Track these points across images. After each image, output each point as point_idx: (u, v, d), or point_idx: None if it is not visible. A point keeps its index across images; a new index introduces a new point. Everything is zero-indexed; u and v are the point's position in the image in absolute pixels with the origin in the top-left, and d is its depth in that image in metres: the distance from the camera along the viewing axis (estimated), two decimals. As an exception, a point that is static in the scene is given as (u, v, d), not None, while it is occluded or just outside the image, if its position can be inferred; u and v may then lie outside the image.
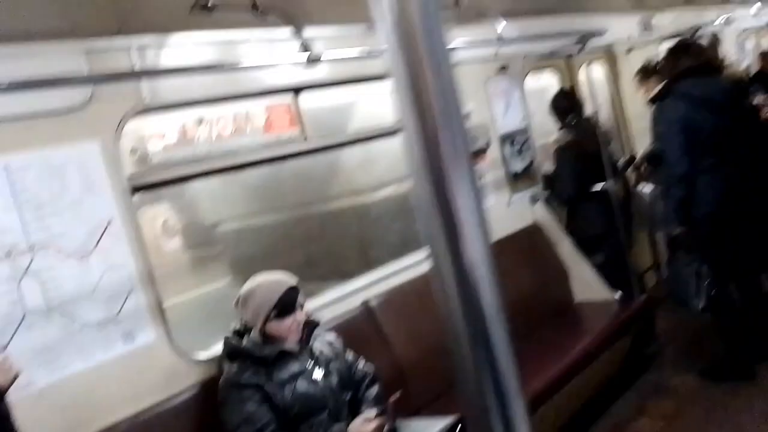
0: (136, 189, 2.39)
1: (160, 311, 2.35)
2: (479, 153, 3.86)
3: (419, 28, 0.45)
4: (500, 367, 0.48)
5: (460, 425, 2.40)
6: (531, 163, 4.28)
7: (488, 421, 0.47)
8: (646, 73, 4.24)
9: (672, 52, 3.60)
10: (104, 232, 2.23)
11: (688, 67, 3.44)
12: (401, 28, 0.45)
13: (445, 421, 2.43)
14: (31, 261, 2.06)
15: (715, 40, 6.17)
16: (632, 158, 4.76)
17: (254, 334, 2.28)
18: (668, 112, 3.43)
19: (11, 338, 2.01)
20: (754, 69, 6.53)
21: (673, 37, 5.06)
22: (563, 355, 3.23)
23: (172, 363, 2.36)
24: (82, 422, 2.10)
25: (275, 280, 2.33)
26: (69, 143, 2.18)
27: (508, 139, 4.13)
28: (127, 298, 2.27)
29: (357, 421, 2.23)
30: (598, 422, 3.45)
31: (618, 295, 3.84)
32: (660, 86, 3.96)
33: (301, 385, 2.23)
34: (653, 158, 4.30)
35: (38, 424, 1.97)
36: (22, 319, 2.02)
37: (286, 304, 2.27)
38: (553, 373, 3.08)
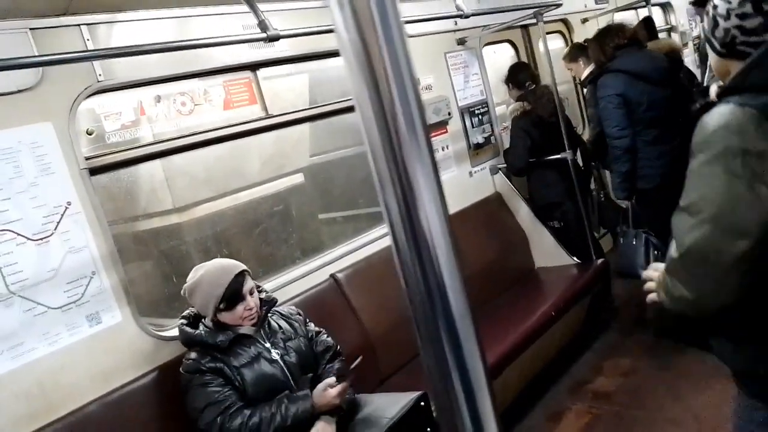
0: (94, 171, 2.35)
1: (125, 291, 2.34)
2: (441, 125, 3.89)
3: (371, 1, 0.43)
4: (462, 340, 0.47)
5: (423, 402, 2.35)
6: (491, 134, 4.34)
7: (451, 393, 0.47)
8: (575, 53, 4.27)
9: (598, 36, 3.70)
10: (63, 214, 2.20)
11: (616, 45, 3.51)
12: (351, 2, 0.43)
13: (409, 396, 2.36)
14: (-12, 246, 2.02)
15: (668, 9, 6.31)
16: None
17: (207, 320, 2.24)
18: (606, 89, 3.49)
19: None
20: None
21: (627, 8, 5.15)
22: (526, 319, 3.33)
23: (140, 342, 2.36)
24: (50, 407, 2.09)
25: (220, 267, 2.23)
26: (20, 125, 2.12)
27: (468, 110, 4.17)
28: (91, 279, 2.25)
29: (319, 387, 2.19)
30: (559, 381, 3.59)
31: (576, 260, 3.98)
32: (591, 67, 4.01)
33: (260, 367, 2.19)
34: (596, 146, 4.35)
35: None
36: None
37: (234, 293, 2.19)
38: (517, 335, 3.18)
